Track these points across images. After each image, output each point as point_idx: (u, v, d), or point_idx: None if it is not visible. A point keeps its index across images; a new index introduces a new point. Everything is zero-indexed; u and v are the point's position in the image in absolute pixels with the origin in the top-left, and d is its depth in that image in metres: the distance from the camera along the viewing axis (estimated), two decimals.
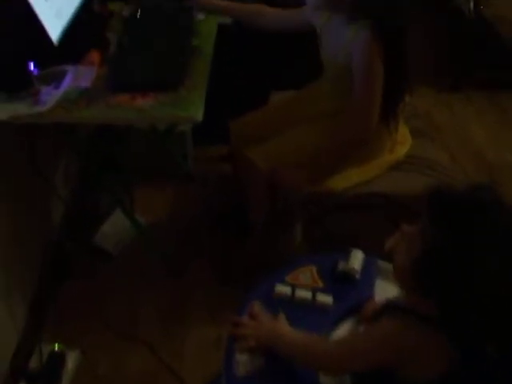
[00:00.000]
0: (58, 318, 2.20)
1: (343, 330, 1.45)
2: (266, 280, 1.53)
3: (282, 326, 1.38)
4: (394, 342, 1.19)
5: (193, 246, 2.49)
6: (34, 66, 1.68)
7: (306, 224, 2.04)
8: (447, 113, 3.34)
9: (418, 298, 1.16)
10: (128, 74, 1.79)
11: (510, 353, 1.13)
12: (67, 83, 1.72)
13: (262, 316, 1.40)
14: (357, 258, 1.55)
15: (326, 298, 1.46)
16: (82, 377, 2.02)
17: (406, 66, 1.91)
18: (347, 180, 1.96)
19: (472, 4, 3.09)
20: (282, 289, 1.48)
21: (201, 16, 2.11)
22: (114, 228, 2.46)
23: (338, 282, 1.52)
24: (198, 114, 1.64)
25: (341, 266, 1.54)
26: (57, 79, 1.73)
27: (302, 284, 1.50)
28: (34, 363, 1.99)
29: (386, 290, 1.49)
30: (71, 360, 2.02)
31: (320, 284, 1.50)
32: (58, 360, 2.00)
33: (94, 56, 1.84)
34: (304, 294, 1.46)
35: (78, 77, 1.75)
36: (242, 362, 1.35)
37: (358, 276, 1.53)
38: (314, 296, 1.46)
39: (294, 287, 1.48)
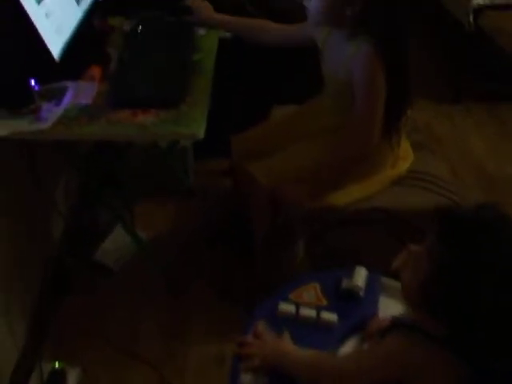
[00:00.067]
0: (58, 334, 2.18)
1: (348, 347, 1.44)
2: (269, 298, 1.51)
3: (287, 345, 1.38)
4: (399, 360, 1.19)
5: (193, 261, 2.48)
6: (35, 83, 1.67)
7: (308, 240, 2.03)
8: (447, 125, 3.34)
9: (424, 315, 1.16)
10: (129, 90, 1.78)
11: None
12: (68, 100, 1.72)
13: (267, 335, 1.40)
14: (360, 275, 1.54)
15: (330, 316, 1.45)
16: None
17: (408, 80, 1.90)
18: (348, 196, 1.95)
19: (472, 17, 3.09)
20: (286, 307, 1.47)
21: (202, 31, 2.11)
22: (115, 244, 2.45)
23: (342, 299, 1.51)
24: (200, 131, 1.63)
25: (344, 283, 1.53)
26: (57, 96, 1.72)
27: (306, 302, 1.49)
28: (34, 381, 1.98)
29: (389, 307, 1.49)
30: (72, 378, 2.00)
31: (324, 302, 1.49)
32: (58, 378, 1.98)
33: (95, 72, 1.84)
34: (308, 312, 1.46)
35: (78, 93, 1.75)
36: (247, 381, 1.34)
37: (361, 293, 1.52)
38: (318, 314, 1.45)
39: (298, 305, 1.47)
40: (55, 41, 1.71)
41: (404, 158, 2.07)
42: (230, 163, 2.43)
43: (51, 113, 1.67)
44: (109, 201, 2.30)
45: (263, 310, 1.49)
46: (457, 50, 3.49)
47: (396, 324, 1.25)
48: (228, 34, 2.35)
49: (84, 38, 1.89)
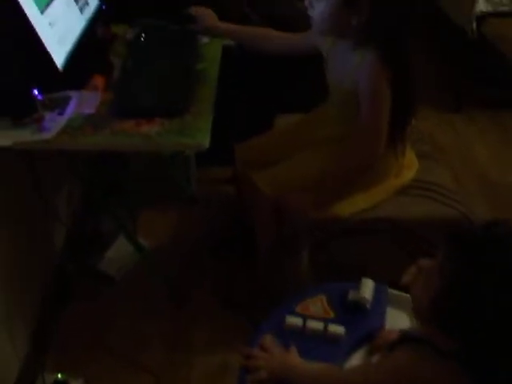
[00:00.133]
0: (60, 345, 2.16)
1: (355, 360, 1.43)
2: (275, 311, 1.50)
3: (294, 358, 1.37)
4: (407, 374, 1.18)
5: (196, 269, 2.47)
6: (38, 92, 1.66)
7: (312, 249, 2.02)
8: (451, 133, 3.33)
9: (434, 329, 1.15)
10: (132, 99, 1.77)
11: None
12: (71, 109, 1.71)
13: (274, 348, 1.39)
14: (367, 287, 1.53)
15: (337, 329, 1.44)
16: None
17: (413, 89, 1.90)
18: (353, 205, 1.94)
19: (475, 24, 3.08)
20: (293, 320, 1.45)
21: (205, 39, 2.10)
22: (118, 253, 2.44)
23: (349, 311, 1.50)
24: (205, 141, 1.62)
25: (351, 295, 1.52)
26: (60, 105, 1.71)
27: (313, 315, 1.47)
28: None
29: (396, 319, 1.49)
30: None
31: (331, 314, 1.48)
32: None
33: (98, 81, 1.83)
34: (315, 325, 1.44)
35: (82, 103, 1.74)
36: None
37: (368, 305, 1.50)
38: (325, 327, 1.44)
39: (304, 318, 1.46)
40: (58, 50, 1.71)
41: (408, 167, 2.06)
42: (234, 171, 2.42)
43: (54, 122, 1.66)
44: (111, 209, 2.28)
45: (270, 323, 1.48)
46: (459, 57, 3.49)
47: (405, 337, 1.24)
48: (231, 42, 2.35)
49: (87, 46, 1.88)
